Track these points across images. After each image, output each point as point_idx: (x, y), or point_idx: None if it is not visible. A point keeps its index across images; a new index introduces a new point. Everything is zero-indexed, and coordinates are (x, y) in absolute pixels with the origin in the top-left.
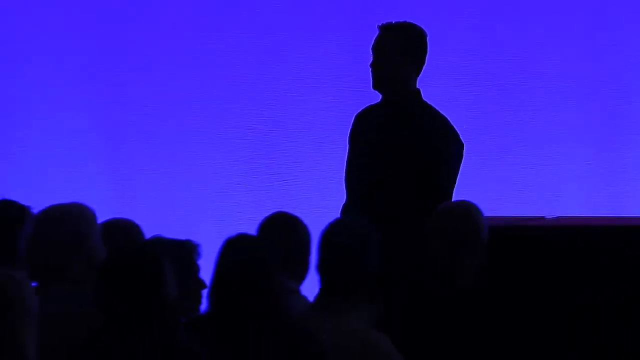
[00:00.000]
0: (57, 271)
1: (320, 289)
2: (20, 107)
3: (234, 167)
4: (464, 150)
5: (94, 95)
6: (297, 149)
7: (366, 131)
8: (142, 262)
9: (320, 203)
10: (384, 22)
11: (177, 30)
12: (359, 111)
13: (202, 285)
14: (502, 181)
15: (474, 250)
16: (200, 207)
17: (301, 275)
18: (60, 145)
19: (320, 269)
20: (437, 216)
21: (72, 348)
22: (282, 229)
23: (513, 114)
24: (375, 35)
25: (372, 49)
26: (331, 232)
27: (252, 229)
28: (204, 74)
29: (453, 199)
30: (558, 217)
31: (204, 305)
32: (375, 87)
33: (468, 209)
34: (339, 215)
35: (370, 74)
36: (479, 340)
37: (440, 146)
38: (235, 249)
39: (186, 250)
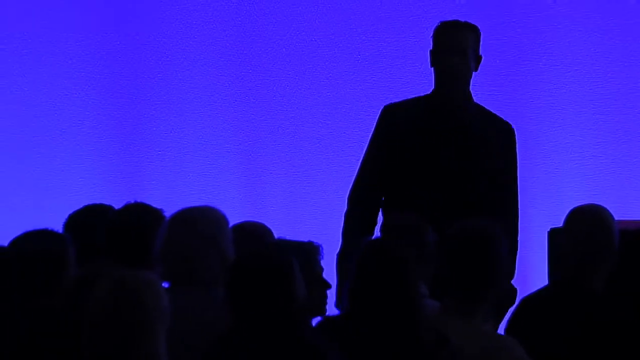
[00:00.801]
0: (190, 273)
1: (450, 292)
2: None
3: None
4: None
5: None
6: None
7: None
8: (271, 264)
9: None
10: (462, 20)
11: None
12: (391, 105)
13: (326, 285)
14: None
15: (606, 255)
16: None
17: (428, 279)
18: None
19: (452, 272)
20: (569, 220)
21: (203, 349)
22: (411, 233)
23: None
24: (451, 33)
25: (455, 50)
26: (463, 236)
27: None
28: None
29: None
30: None
31: (330, 306)
32: (450, 88)
33: (600, 213)
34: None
35: (455, 79)
36: (609, 346)
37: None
38: (377, 250)
39: (309, 252)
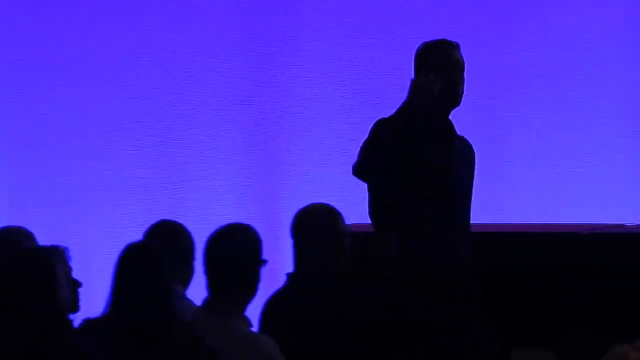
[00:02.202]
0: None
1: (208, 293)
2: None
3: (126, 178)
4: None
5: None
6: (185, 160)
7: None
8: (34, 268)
9: (206, 210)
10: (453, 41)
11: None
12: (384, 119)
13: (77, 284)
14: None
15: (332, 251)
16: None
17: (186, 281)
18: None
19: (208, 273)
20: (297, 219)
21: None
22: (167, 236)
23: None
24: (455, 53)
25: (460, 68)
26: (215, 240)
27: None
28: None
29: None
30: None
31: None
32: (457, 104)
33: (324, 212)
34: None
35: (460, 93)
36: (349, 334)
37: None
38: (132, 256)
39: (59, 254)
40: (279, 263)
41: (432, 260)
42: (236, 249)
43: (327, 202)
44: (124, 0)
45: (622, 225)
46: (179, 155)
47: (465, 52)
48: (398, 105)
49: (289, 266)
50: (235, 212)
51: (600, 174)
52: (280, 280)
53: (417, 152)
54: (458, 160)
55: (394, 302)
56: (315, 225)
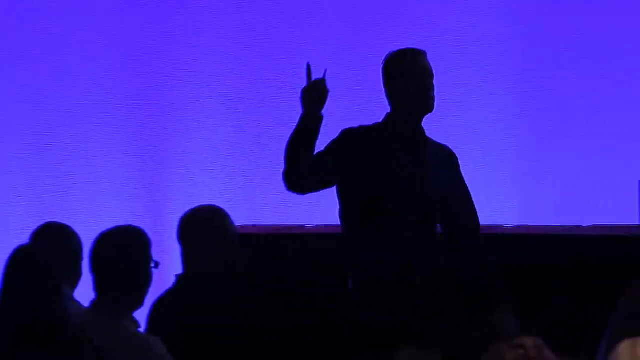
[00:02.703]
0: None
1: (96, 294)
2: None
3: (12, 181)
4: None
5: None
6: (72, 163)
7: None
8: None
9: (94, 213)
10: (416, 48)
11: None
12: (352, 128)
13: None
14: None
15: (212, 251)
16: None
17: (74, 282)
18: None
19: (95, 275)
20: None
21: None
22: (55, 238)
23: None
24: (423, 59)
25: (428, 74)
26: (102, 242)
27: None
28: None
29: None
30: (317, 225)
31: None
32: (429, 111)
33: (202, 213)
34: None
35: (431, 98)
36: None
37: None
38: (20, 258)
39: None
40: (167, 265)
41: (381, 264)
42: (123, 250)
43: (215, 204)
44: None
45: (302, 227)
46: (66, 157)
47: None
48: (287, 109)
49: (177, 267)
50: (123, 214)
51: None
52: (168, 282)
53: (383, 160)
54: (430, 167)
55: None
56: (202, 226)
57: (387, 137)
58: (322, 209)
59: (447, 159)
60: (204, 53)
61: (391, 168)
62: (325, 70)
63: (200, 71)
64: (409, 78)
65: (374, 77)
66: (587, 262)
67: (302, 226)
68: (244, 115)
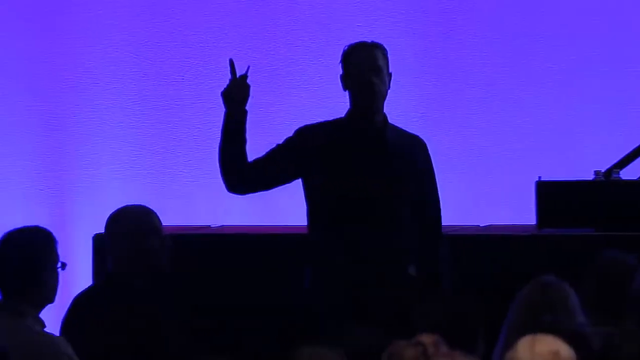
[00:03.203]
0: None
1: (0, 295)
2: None
3: None
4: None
5: None
6: None
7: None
8: None
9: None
10: (368, 41)
11: None
12: (305, 127)
13: None
14: None
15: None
16: None
17: None
18: None
19: None
20: (109, 223)
21: None
22: None
23: None
24: (362, 53)
25: (368, 66)
26: (6, 242)
27: None
28: None
29: None
30: (222, 225)
31: None
32: (371, 104)
33: (134, 213)
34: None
35: (368, 90)
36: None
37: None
38: None
39: None
40: (76, 264)
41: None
42: (27, 251)
43: (142, 204)
44: None
45: (209, 227)
46: None
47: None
48: (190, 109)
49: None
50: (27, 215)
51: None
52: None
53: (338, 156)
54: (389, 160)
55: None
56: (127, 224)
57: (342, 132)
58: (226, 209)
59: (415, 151)
60: (109, 52)
61: (347, 163)
62: (248, 67)
63: (104, 71)
64: (350, 76)
65: None
66: (485, 260)
67: (207, 226)
68: (150, 116)
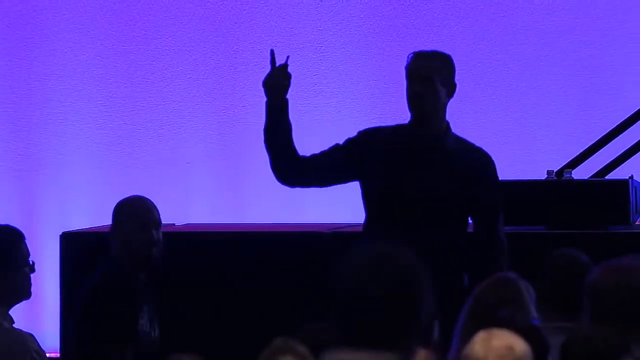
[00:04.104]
0: None
1: None
2: None
3: None
4: None
5: None
6: None
7: (396, 161)
8: None
9: None
10: (424, 50)
11: None
12: (368, 130)
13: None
14: None
15: None
16: None
17: None
18: None
19: None
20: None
21: None
22: None
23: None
24: (414, 62)
25: (415, 76)
26: None
27: None
28: None
29: None
30: (187, 224)
31: None
32: (418, 113)
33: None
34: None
35: (413, 104)
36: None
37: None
38: None
39: None
40: (44, 260)
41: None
42: None
43: (143, 196)
44: None
45: (174, 225)
46: None
47: None
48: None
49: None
50: None
51: None
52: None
53: (393, 163)
54: (433, 175)
55: None
56: (122, 213)
57: (399, 140)
58: (190, 207)
59: (474, 165)
60: (76, 55)
61: (399, 171)
62: (288, 57)
63: (71, 74)
64: (407, 85)
65: None
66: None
67: (172, 224)
68: (116, 116)
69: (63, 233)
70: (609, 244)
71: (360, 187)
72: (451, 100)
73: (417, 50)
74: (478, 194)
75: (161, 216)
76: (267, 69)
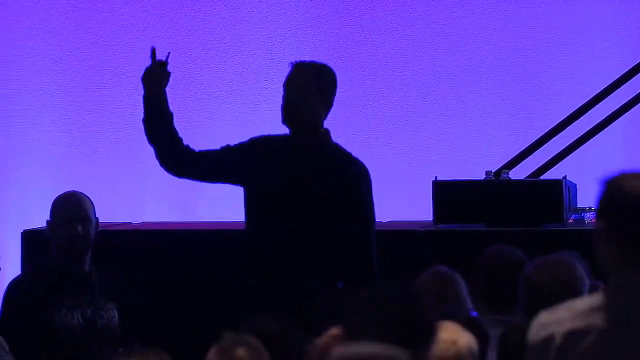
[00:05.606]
0: None
1: None
2: None
3: None
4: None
5: None
6: None
7: (272, 165)
8: None
9: None
10: (299, 60)
11: None
12: (256, 137)
13: None
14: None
15: None
16: None
17: None
18: None
19: None
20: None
21: None
22: None
23: None
24: (290, 71)
25: (287, 84)
26: None
27: None
28: None
29: None
30: (143, 222)
31: None
32: (284, 120)
33: None
34: None
35: (283, 108)
36: None
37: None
38: None
39: None
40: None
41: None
42: None
43: (77, 191)
44: None
45: (130, 223)
46: None
47: None
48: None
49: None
50: None
51: None
52: None
53: (254, 167)
54: (304, 178)
55: None
56: (52, 210)
57: (282, 147)
58: (147, 206)
59: (343, 174)
60: (37, 60)
61: (276, 174)
62: (168, 54)
63: (32, 79)
64: (283, 94)
65: None
66: (387, 253)
67: (129, 223)
68: (73, 119)
69: (24, 231)
70: (544, 241)
71: (243, 189)
72: (394, 106)
73: (297, 60)
74: (348, 202)
75: (119, 215)
76: (225, 74)
